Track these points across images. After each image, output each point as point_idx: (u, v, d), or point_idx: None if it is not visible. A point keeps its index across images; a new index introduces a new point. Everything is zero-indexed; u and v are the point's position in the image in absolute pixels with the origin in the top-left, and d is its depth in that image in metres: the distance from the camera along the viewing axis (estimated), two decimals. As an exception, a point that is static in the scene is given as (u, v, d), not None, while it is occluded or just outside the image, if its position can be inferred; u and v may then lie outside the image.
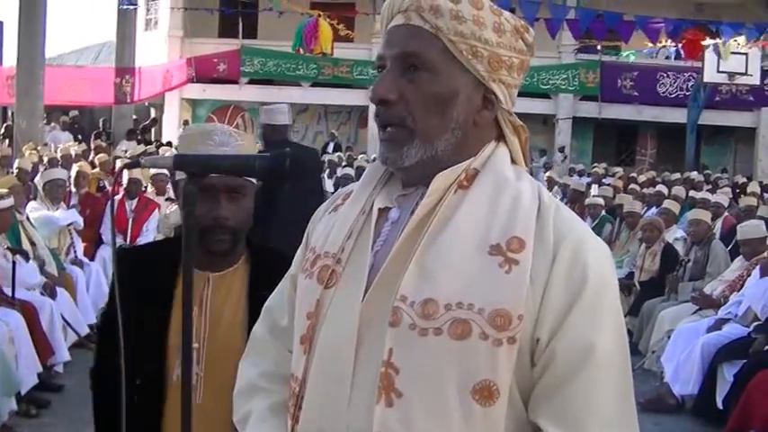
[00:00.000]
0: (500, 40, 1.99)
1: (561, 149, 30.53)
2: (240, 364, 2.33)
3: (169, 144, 26.27)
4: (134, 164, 2.12)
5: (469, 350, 1.84)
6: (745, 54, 25.28)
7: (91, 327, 9.97)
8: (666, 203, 13.45)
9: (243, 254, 3.07)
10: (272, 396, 2.20)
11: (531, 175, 2.11)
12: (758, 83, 27.72)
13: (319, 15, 20.67)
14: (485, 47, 1.97)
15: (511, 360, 1.85)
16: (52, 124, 28.34)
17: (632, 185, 18.27)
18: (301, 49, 20.14)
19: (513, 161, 2.08)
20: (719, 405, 8.34)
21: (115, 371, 2.98)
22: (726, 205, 14.97)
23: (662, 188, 17.85)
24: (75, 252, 10.91)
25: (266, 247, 3.11)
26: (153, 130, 32.82)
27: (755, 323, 8.82)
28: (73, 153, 17.83)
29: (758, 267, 9.35)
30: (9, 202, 8.53)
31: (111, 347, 2.96)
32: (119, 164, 14.93)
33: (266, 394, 2.21)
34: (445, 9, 1.95)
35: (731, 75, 26.19)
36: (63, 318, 9.02)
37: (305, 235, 2.29)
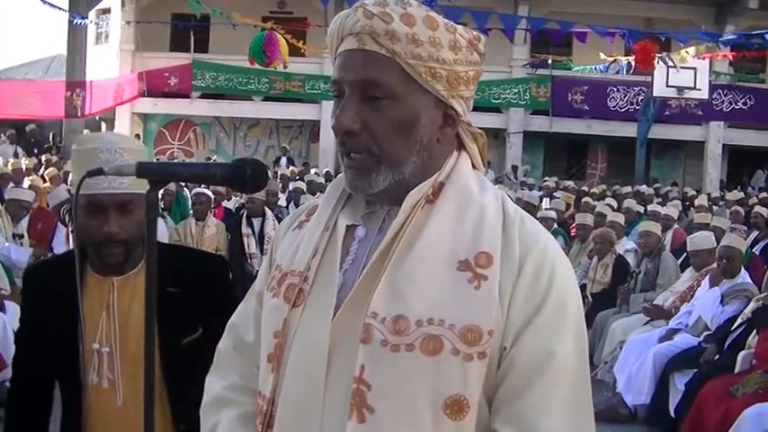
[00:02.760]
0: (457, 57, 1.98)
1: (514, 168, 30.56)
2: (206, 380, 2.33)
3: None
4: (98, 172, 2.12)
5: (441, 365, 1.85)
6: (694, 68, 25.59)
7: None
8: (612, 216, 13.54)
9: (143, 255, 3.02)
10: (240, 407, 2.19)
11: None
12: (707, 97, 28.10)
13: (272, 29, 20.57)
14: (443, 67, 1.96)
15: (481, 374, 1.88)
16: (2, 138, 28.06)
17: (585, 199, 18.35)
18: (257, 62, 20.03)
19: (474, 166, 2.10)
20: (672, 414, 8.43)
21: (34, 388, 3.02)
22: (675, 218, 15.12)
23: (611, 201, 17.98)
24: (27, 266, 10.81)
25: (164, 245, 3.10)
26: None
27: (706, 333, 8.93)
28: (23, 167, 17.69)
29: (708, 278, 9.48)
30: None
31: (27, 364, 3.07)
32: (72, 177, 14.86)
33: (234, 405, 2.20)
34: (401, 33, 1.92)
35: (680, 89, 26.54)
36: (14, 332, 8.92)
37: (268, 251, 2.29)
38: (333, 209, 2.11)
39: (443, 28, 1.97)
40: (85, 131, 30.24)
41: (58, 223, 11.70)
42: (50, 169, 18.12)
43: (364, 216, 2.07)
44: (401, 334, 1.86)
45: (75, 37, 29.47)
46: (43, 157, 22.96)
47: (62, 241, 11.68)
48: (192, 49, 31.67)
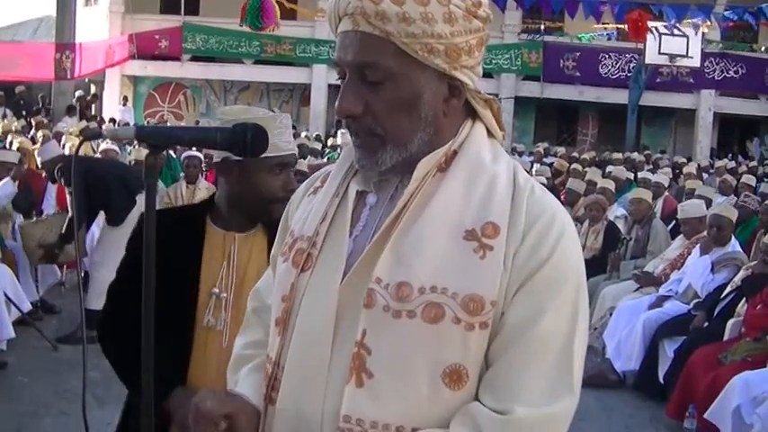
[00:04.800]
0: (453, 30, 1.94)
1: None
2: (235, 341, 2.40)
3: (112, 121, 25.98)
4: (95, 134, 2.12)
5: (442, 334, 1.86)
6: (686, 36, 25.57)
7: (33, 303, 9.88)
8: (603, 182, 13.56)
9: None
10: (255, 359, 2.25)
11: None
12: (698, 65, 28.13)
13: (263, -8, 20.43)
14: (439, 41, 1.92)
15: (482, 345, 1.89)
16: (-10, 99, 27.92)
17: (575, 165, 18.36)
18: (253, 27, 19.88)
19: (490, 134, 2.08)
20: (661, 380, 8.50)
21: (127, 320, 3.09)
22: (666, 185, 15.15)
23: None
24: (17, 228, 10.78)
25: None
26: (93, 106, 32.49)
27: (695, 300, 8.99)
28: (13, 129, 17.61)
29: (698, 246, 9.52)
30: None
31: (125, 299, 3.22)
32: (64, 140, 14.79)
33: (250, 359, 2.27)
34: (391, 13, 1.89)
35: (672, 57, 26.52)
36: (5, 295, 8.90)
37: (283, 217, 2.31)
38: (344, 175, 2.12)
39: (435, 1, 1.92)
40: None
41: (48, 185, 11.67)
42: (42, 131, 18.03)
43: (376, 183, 2.06)
44: (403, 300, 1.86)
45: (65, -2, 29.27)
46: (33, 120, 22.84)
47: (52, 204, 11.67)
48: (182, 12, 31.50)
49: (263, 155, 2.32)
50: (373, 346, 1.88)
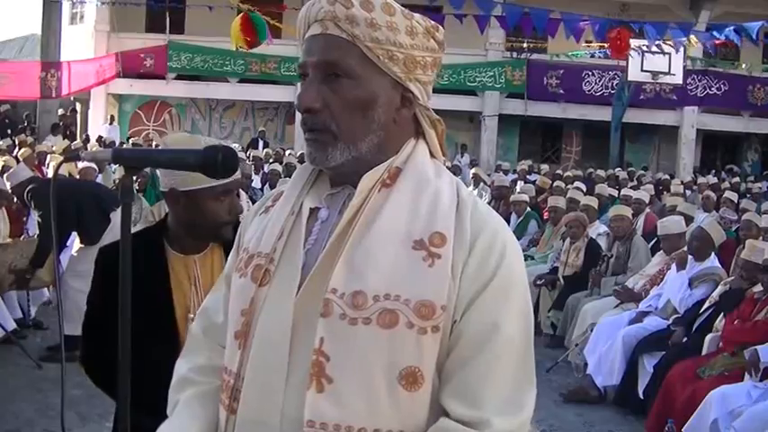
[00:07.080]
0: (413, 42, 2.12)
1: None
2: (176, 363, 2.43)
3: (99, 139, 25.95)
4: (74, 157, 2.19)
5: (397, 338, 1.96)
6: (669, 54, 25.70)
7: (17, 322, 9.88)
8: (586, 200, 13.62)
9: None
10: (200, 386, 2.31)
11: (454, 172, 2.23)
12: (681, 82, 28.25)
13: (249, 10, 20.48)
14: (399, 50, 2.09)
15: (435, 347, 1.99)
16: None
17: (557, 183, 18.42)
18: (258, 42, 19.89)
19: (432, 155, 2.21)
20: (640, 395, 8.57)
21: (111, 350, 3.27)
22: (647, 202, 15.21)
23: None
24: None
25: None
26: (78, 120, 32.42)
27: (674, 316, 9.07)
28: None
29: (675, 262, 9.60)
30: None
31: (101, 332, 3.31)
32: (49, 159, 14.79)
33: (195, 385, 2.32)
34: (360, 18, 2.06)
35: (655, 74, 26.65)
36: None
37: (236, 236, 2.41)
38: (299, 193, 2.21)
39: (400, 14, 2.12)
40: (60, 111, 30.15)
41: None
42: (24, 150, 18.01)
43: (327, 198, 2.18)
44: (359, 308, 1.96)
45: (50, 17, 29.28)
46: (17, 139, 22.83)
47: (35, 222, 11.64)
48: (167, 30, 31.48)
49: (208, 185, 2.40)
50: (332, 352, 1.96)
